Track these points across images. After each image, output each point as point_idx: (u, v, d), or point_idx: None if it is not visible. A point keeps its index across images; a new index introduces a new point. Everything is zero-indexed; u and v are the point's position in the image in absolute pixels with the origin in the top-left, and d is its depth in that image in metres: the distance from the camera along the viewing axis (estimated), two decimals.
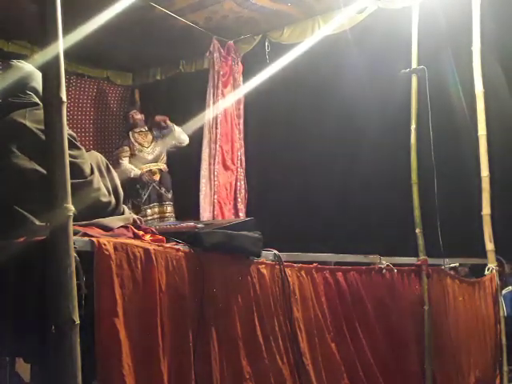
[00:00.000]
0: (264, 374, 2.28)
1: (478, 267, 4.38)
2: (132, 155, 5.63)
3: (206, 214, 5.37)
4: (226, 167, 5.49)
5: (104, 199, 2.23)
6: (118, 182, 2.41)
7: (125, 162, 5.58)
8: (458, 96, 4.41)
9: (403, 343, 3.21)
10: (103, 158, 2.40)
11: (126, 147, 5.66)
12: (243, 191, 5.56)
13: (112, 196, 2.29)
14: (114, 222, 2.17)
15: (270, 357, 2.33)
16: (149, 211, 5.49)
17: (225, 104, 5.47)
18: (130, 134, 5.73)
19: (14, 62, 2.36)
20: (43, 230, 1.75)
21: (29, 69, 2.33)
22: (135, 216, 2.37)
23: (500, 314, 3.99)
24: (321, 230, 4.83)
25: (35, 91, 2.25)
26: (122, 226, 2.18)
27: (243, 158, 5.61)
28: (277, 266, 2.50)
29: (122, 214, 2.35)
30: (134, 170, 5.51)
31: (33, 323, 1.73)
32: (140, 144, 5.67)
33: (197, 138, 5.50)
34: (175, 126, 5.58)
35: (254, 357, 2.26)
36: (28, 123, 2.13)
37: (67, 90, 4.49)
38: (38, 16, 1.65)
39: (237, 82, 5.58)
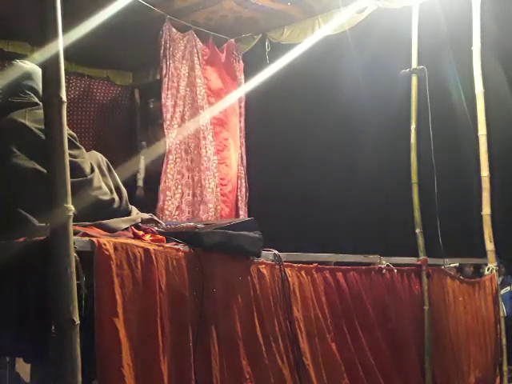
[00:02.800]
0: (264, 374, 2.28)
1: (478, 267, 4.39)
2: None
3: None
4: None
5: (105, 197, 2.23)
6: (119, 181, 2.42)
7: None
8: (458, 96, 4.40)
9: (403, 343, 3.21)
10: (104, 158, 2.41)
11: None
12: (244, 190, 5.55)
13: (115, 194, 2.29)
14: (118, 223, 2.17)
15: (270, 357, 2.33)
16: None
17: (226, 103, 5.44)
18: None
19: (16, 62, 2.37)
20: (43, 230, 1.75)
21: (29, 68, 2.33)
22: (146, 215, 2.38)
23: (500, 314, 3.99)
24: (321, 230, 4.82)
25: (35, 91, 2.25)
26: None
27: (244, 157, 5.60)
28: (277, 266, 2.50)
29: (130, 212, 2.35)
30: None
31: (33, 323, 1.73)
32: None
33: None
34: None
35: (254, 357, 2.26)
36: (28, 123, 2.13)
37: (67, 90, 4.47)
38: (37, 16, 1.65)
39: (238, 80, 5.56)
